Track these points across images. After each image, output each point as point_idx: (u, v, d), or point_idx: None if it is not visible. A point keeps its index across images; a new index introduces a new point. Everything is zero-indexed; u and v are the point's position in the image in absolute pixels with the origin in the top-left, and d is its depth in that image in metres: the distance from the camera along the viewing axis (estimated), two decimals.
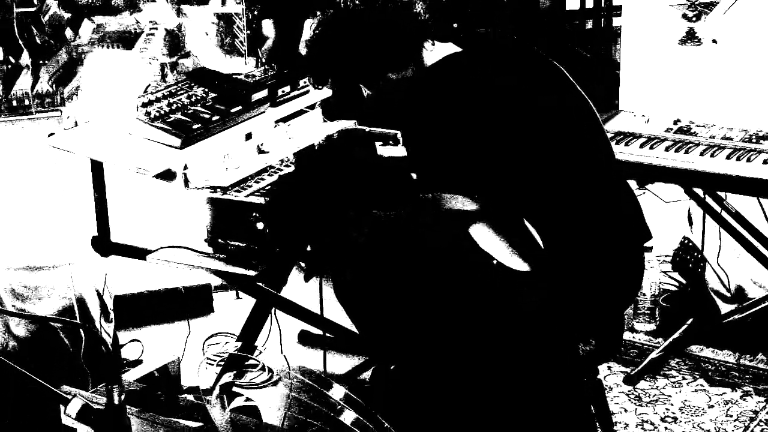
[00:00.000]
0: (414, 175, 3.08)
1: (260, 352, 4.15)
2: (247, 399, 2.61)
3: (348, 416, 2.27)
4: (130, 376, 2.72)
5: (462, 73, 3.07)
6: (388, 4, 3.09)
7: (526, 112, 3.02)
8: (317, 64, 3.22)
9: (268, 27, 5.45)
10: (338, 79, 3.26)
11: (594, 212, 3.06)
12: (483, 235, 2.96)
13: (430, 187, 3.02)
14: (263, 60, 5.34)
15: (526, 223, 2.95)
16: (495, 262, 2.94)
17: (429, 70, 3.09)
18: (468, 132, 2.96)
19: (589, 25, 6.51)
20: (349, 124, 3.66)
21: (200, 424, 2.47)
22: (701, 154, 3.86)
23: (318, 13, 3.20)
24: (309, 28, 5.17)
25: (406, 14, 3.08)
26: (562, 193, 3.01)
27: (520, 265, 2.95)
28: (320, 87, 3.69)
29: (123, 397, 2.11)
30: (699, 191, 4.23)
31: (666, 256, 4.78)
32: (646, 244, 3.27)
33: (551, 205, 2.99)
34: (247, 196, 3.30)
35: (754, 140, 3.89)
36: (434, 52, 3.11)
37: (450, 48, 3.13)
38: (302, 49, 5.32)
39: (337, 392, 2.33)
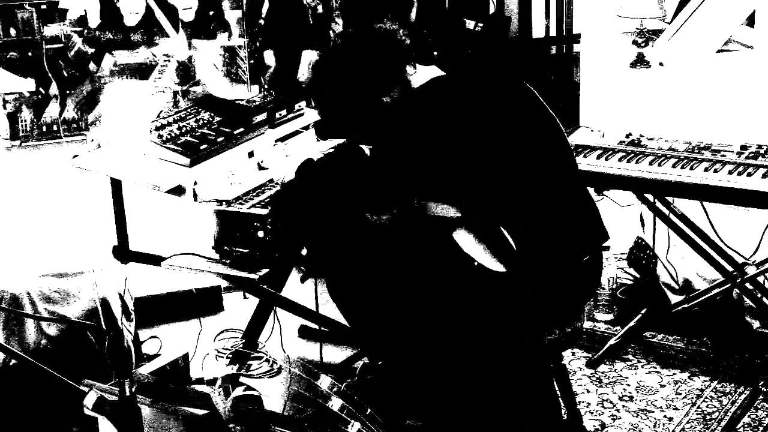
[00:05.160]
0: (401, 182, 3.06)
1: (263, 346, 4.13)
2: (248, 388, 2.59)
3: (335, 403, 2.25)
4: (144, 370, 2.70)
5: (447, 95, 3.06)
6: (373, 33, 3.09)
7: (502, 129, 3.02)
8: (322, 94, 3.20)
9: (269, 57, 5.44)
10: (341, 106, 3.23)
11: (558, 218, 3.05)
12: (465, 240, 2.94)
13: (417, 196, 3.00)
14: (266, 86, 5.32)
15: (502, 228, 2.93)
16: (476, 263, 2.92)
17: (417, 91, 3.07)
18: (451, 146, 2.94)
19: (553, 51, 6.50)
20: (339, 142, 3.64)
21: (206, 411, 2.45)
22: (650, 163, 3.85)
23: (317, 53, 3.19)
24: (307, 64, 5.17)
25: (390, 41, 3.08)
26: (531, 201, 3.00)
27: (497, 266, 2.93)
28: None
29: (134, 389, 2.09)
30: (649, 196, 4.21)
31: (622, 254, 4.77)
32: (605, 244, 3.25)
33: (521, 212, 2.98)
34: (249, 207, 3.29)
35: (696, 151, 3.87)
36: (419, 74, 3.09)
37: (434, 71, 3.12)
38: (301, 77, 5.33)
39: (325, 382, 2.31)
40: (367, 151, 3.29)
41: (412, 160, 3.01)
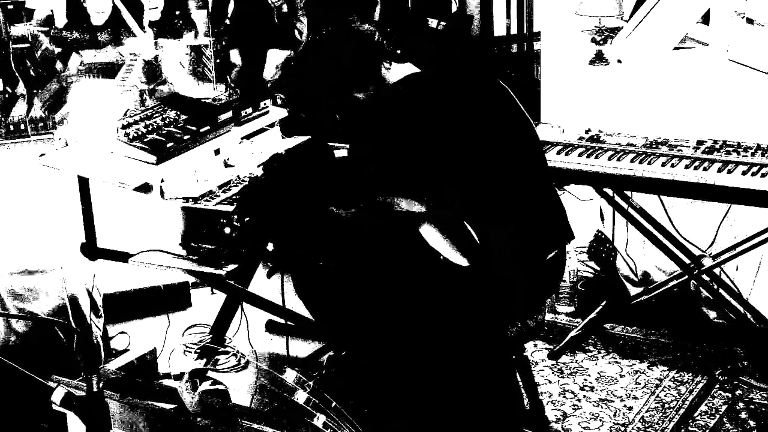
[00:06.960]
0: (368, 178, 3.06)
1: (230, 341, 4.12)
2: (215, 382, 2.58)
3: (301, 396, 2.25)
4: (112, 365, 2.68)
5: (423, 91, 3.06)
6: (347, 32, 3.08)
7: (477, 127, 3.02)
8: (294, 91, 3.19)
9: (235, 56, 5.42)
10: (313, 102, 3.23)
11: (527, 215, 3.06)
12: (430, 234, 2.94)
13: (386, 190, 3.00)
14: (232, 85, 5.31)
15: (466, 224, 2.93)
16: (441, 257, 2.92)
17: (392, 87, 3.07)
18: (427, 143, 2.94)
19: (514, 49, 6.51)
20: (305, 139, 3.64)
21: (174, 405, 2.44)
22: (609, 158, 3.87)
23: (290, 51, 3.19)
24: (273, 63, 5.16)
25: (364, 39, 3.07)
26: (500, 198, 3.01)
27: (461, 261, 2.94)
28: (291, 109, 3.65)
29: (101, 384, 2.07)
30: (609, 191, 4.24)
31: (582, 247, 4.80)
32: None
33: (489, 209, 2.98)
34: (215, 204, 3.28)
35: (653, 146, 3.91)
36: (394, 71, 3.08)
37: (409, 68, 3.11)
38: (266, 75, 5.31)
39: (290, 375, 2.31)
40: (339, 149, 3.29)
41: (389, 156, 3.00)
